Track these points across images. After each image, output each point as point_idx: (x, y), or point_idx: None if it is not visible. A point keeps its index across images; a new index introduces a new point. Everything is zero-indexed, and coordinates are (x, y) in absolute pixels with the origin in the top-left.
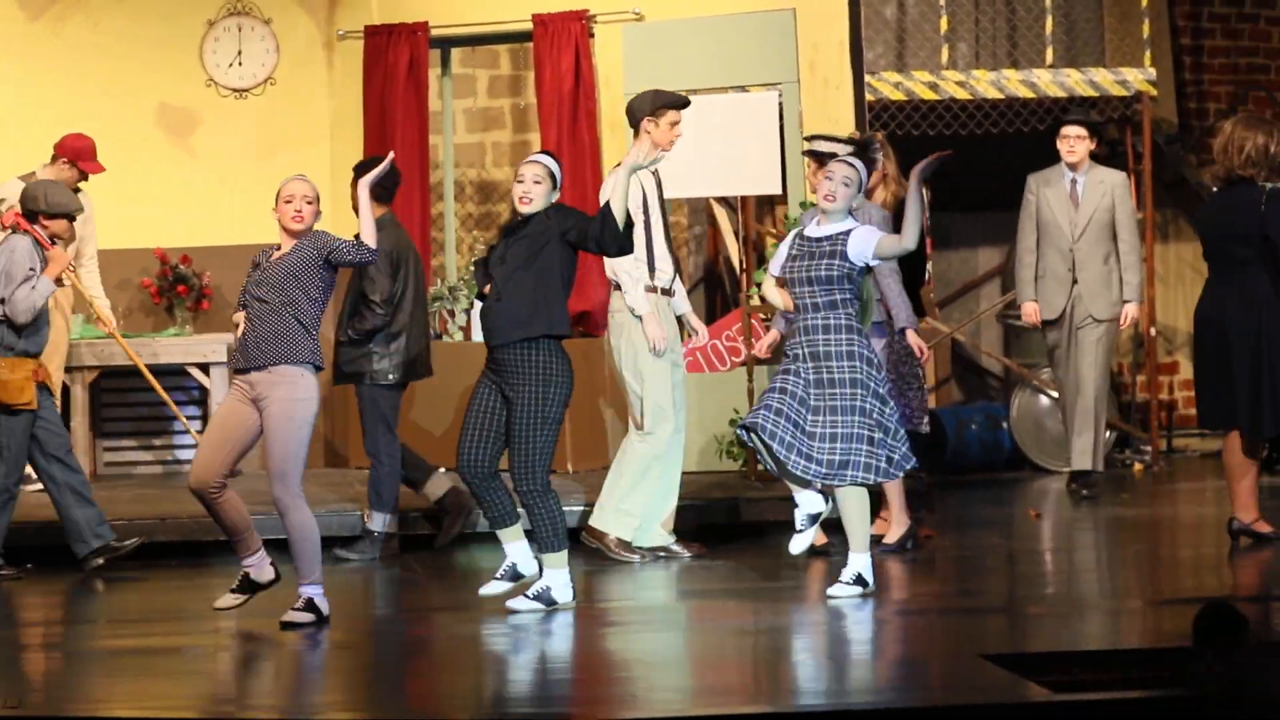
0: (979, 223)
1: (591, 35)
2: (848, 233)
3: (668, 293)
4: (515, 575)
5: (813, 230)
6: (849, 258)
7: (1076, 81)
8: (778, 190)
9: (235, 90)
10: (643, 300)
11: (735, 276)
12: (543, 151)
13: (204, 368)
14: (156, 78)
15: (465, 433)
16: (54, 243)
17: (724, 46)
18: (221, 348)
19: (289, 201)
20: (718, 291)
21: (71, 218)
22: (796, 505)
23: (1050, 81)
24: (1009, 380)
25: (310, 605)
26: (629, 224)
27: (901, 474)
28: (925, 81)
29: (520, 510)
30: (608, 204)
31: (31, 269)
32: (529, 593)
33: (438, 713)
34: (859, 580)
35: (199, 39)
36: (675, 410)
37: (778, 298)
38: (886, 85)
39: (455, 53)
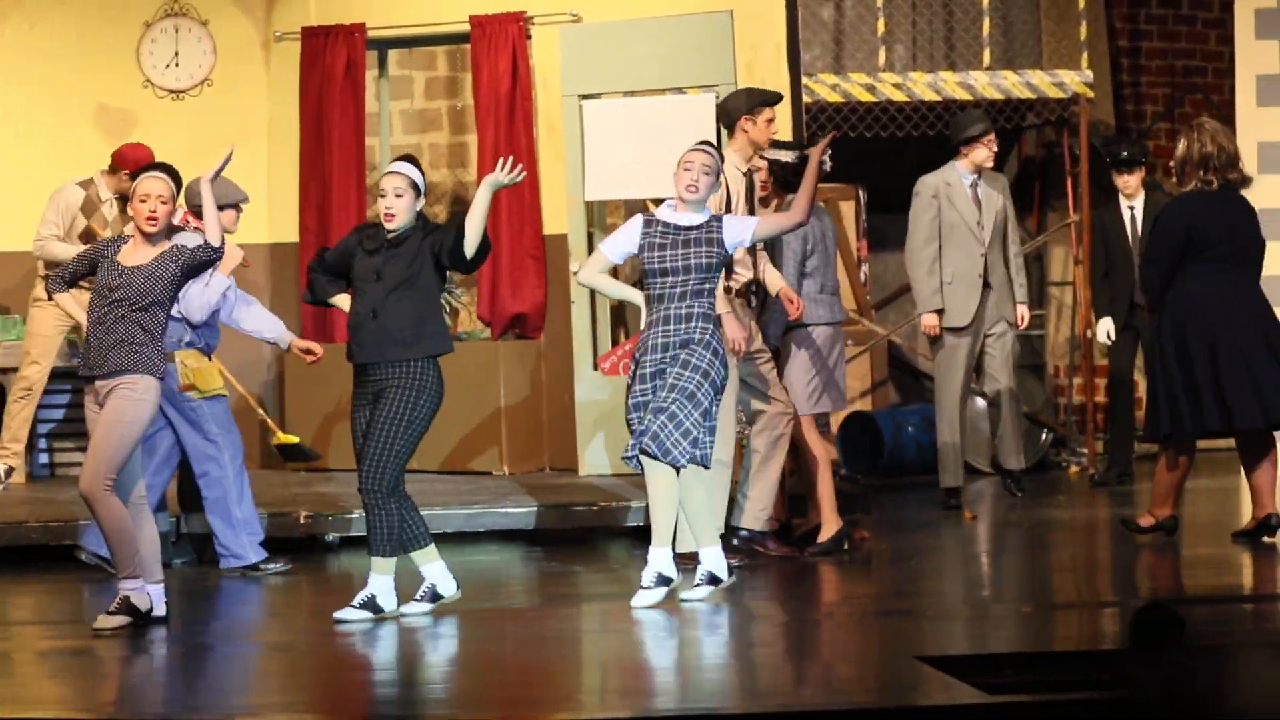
0: None
1: (529, 37)
2: (719, 219)
3: (744, 294)
4: (435, 596)
5: (675, 217)
6: (725, 244)
7: (1013, 84)
8: None
9: (172, 91)
10: (721, 299)
11: None
12: (403, 158)
13: None
14: (94, 79)
15: (359, 460)
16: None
17: (661, 48)
18: None
19: (144, 200)
20: None
21: (238, 208)
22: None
23: (987, 84)
24: None
25: (127, 605)
26: (485, 244)
27: (695, 464)
28: (862, 83)
29: (429, 535)
30: (463, 221)
31: None
32: (355, 601)
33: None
34: (711, 579)
35: (136, 40)
36: None
37: (610, 286)
38: (823, 87)
39: (392, 54)
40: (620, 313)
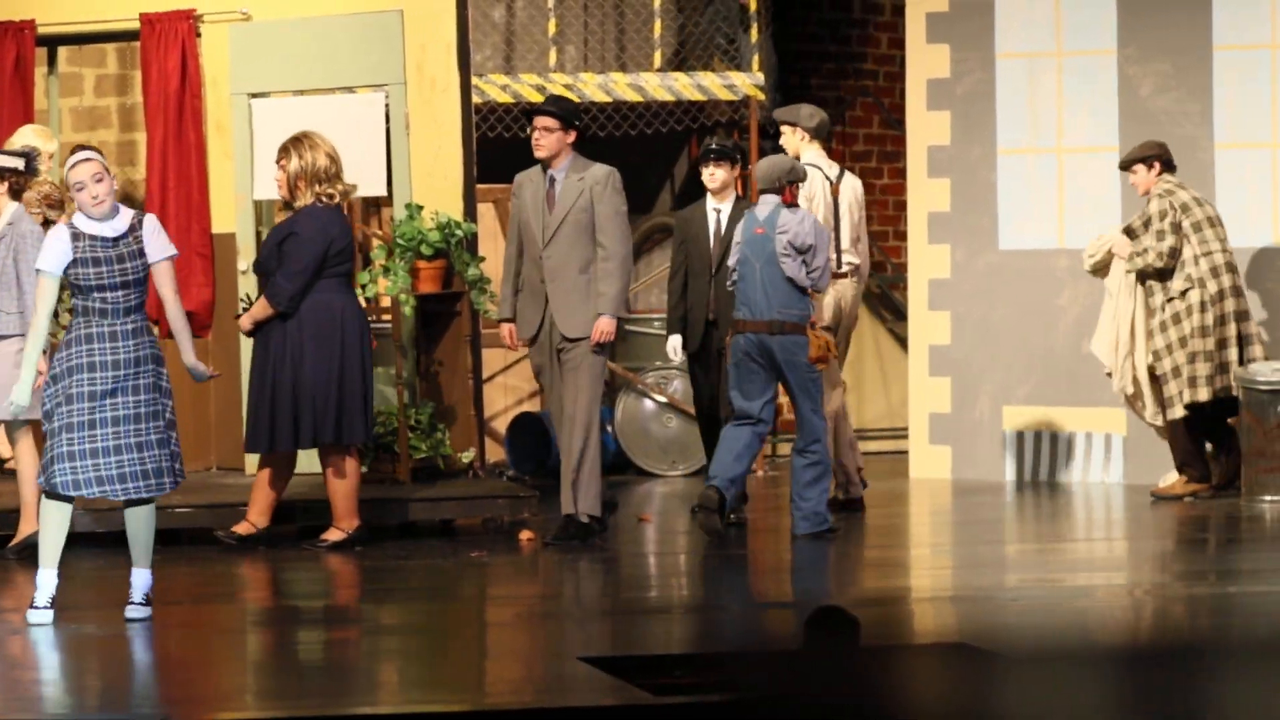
0: None
1: (199, 35)
2: (137, 230)
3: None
4: None
5: (99, 229)
6: (147, 255)
7: (684, 85)
8: (383, 192)
9: None
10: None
11: None
12: None
13: None
14: None
15: None
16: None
17: (331, 47)
18: None
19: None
20: None
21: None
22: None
23: (658, 85)
24: (614, 383)
25: None
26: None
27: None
28: (532, 84)
29: None
30: None
31: None
32: None
33: None
34: (147, 600)
35: None
36: None
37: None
38: (494, 88)
39: (62, 51)
40: None
